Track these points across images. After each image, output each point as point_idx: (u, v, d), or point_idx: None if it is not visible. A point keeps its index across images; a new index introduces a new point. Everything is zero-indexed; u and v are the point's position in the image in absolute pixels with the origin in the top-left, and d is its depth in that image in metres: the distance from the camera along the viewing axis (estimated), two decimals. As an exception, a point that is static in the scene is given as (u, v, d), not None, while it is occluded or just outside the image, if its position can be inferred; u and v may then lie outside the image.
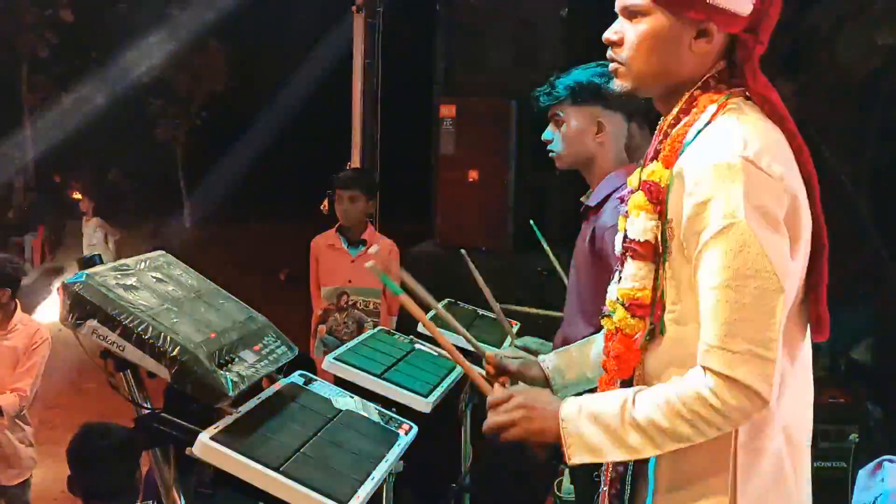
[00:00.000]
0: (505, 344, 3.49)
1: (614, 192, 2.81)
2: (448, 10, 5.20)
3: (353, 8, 5.61)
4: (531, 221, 3.82)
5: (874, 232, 6.29)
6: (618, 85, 1.85)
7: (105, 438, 2.96)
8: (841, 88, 6.25)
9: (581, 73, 2.84)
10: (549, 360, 2.32)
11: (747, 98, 1.77)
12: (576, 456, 1.75)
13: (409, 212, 7.14)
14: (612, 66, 1.84)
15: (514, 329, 3.85)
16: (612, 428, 1.71)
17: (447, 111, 4.88)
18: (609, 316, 1.90)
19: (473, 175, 4.82)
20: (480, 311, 4.00)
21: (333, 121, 6.94)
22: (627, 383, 1.85)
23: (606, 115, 2.81)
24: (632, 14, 1.79)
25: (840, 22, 5.72)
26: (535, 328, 3.79)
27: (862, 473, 2.80)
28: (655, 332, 1.77)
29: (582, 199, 2.96)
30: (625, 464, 1.84)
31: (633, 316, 1.78)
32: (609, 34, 1.82)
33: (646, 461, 1.81)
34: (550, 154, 2.95)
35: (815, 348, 1.90)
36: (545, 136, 2.93)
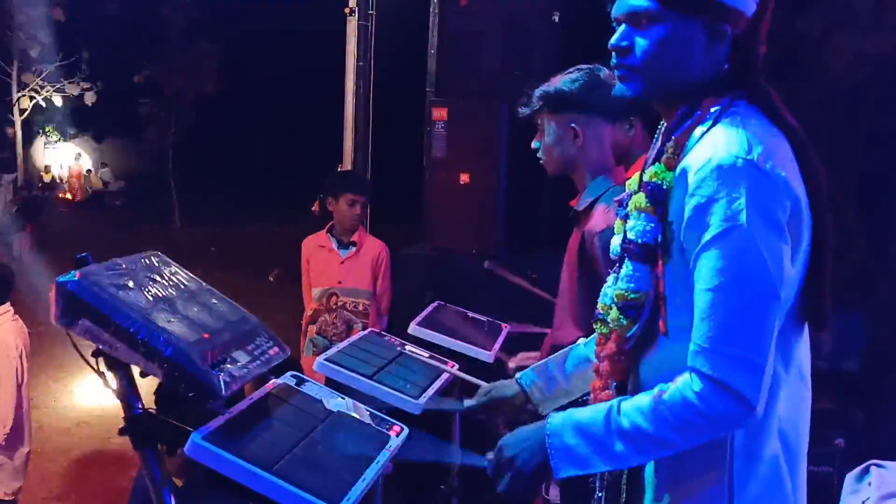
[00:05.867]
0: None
1: (602, 195, 2.84)
2: (440, 14, 5.21)
3: (346, 10, 5.63)
4: (486, 265, 3.88)
5: (862, 240, 6.32)
6: (624, 90, 1.82)
7: None
8: (830, 96, 6.28)
9: (554, 81, 2.87)
10: (527, 377, 2.35)
11: (749, 100, 1.78)
12: (562, 470, 1.76)
13: (400, 214, 7.15)
14: (619, 72, 1.82)
15: (505, 331, 3.87)
16: (597, 439, 1.71)
17: (439, 114, 4.88)
18: (602, 319, 1.91)
19: (465, 178, 4.84)
20: (470, 314, 4.01)
21: (325, 123, 6.94)
22: (621, 386, 1.85)
23: (581, 120, 2.83)
24: (640, 20, 1.75)
25: (829, 30, 5.75)
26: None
27: (849, 477, 2.81)
28: (652, 334, 1.78)
29: (571, 203, 2.99)
30: (620, 471, 1.85)
31: (625, 317, 1.79)
32: (618, 41, 1.79)
33: (642, 468, 1.82)
34: (540, 161, 2.98)
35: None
36: (533, 145, 2.96)
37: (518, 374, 2.38)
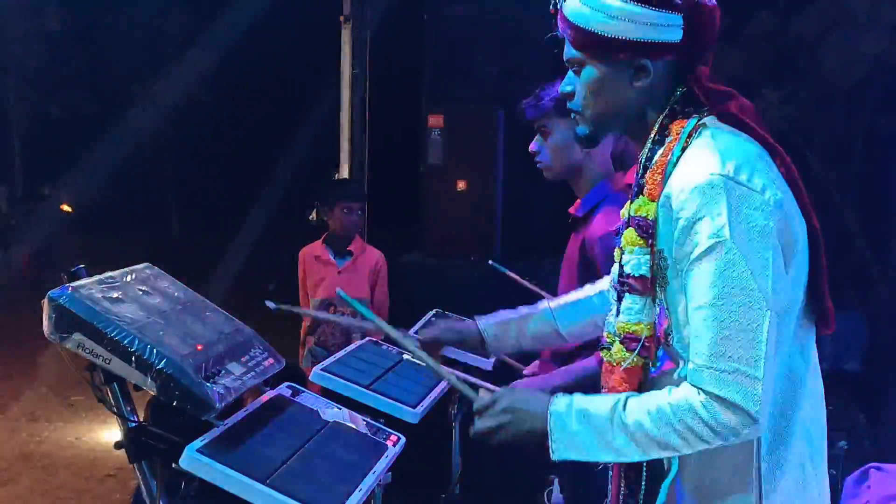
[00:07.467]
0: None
1: (602, 201, 2.83)
2: (436, 20, 5.19)
3: (341, 18, 5.61)
4: (490, 262, 3.92)
5: (861, 240, 6.31)
6: (580, 131, 1.92)
7: None
8: (827, 97, 6.28)
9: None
10: (486, 324, 2.43)
11: (716, 116, 1.78)
12: (560, 452, 1.77)
13: (397, 221, 7.13)
14: (573, 115, 1.92)
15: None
16: (600, 429, 1.72)
17: (435, 121, 4.87)
18: (607, 348, 1.91)
19: (461, 184, 4.83)
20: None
21: (321, 131, 6.94)
22: None
23: None
24: (573, 65, 1.86)
25: (825, 31, 5.75)
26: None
27: (849, 481, 2.82)
28: (659, 362, 1.79)
29: (571, 209, 2.97)
30: (638, 479, 1.84)
31: (627, 349, 1.80)
32: (564, 86, 1.90)
33: (663, 476, 1.81)
34: (538, 165, 2.96)
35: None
36: (533, 147, 2.94)
37: (478, 317, 2.45)
